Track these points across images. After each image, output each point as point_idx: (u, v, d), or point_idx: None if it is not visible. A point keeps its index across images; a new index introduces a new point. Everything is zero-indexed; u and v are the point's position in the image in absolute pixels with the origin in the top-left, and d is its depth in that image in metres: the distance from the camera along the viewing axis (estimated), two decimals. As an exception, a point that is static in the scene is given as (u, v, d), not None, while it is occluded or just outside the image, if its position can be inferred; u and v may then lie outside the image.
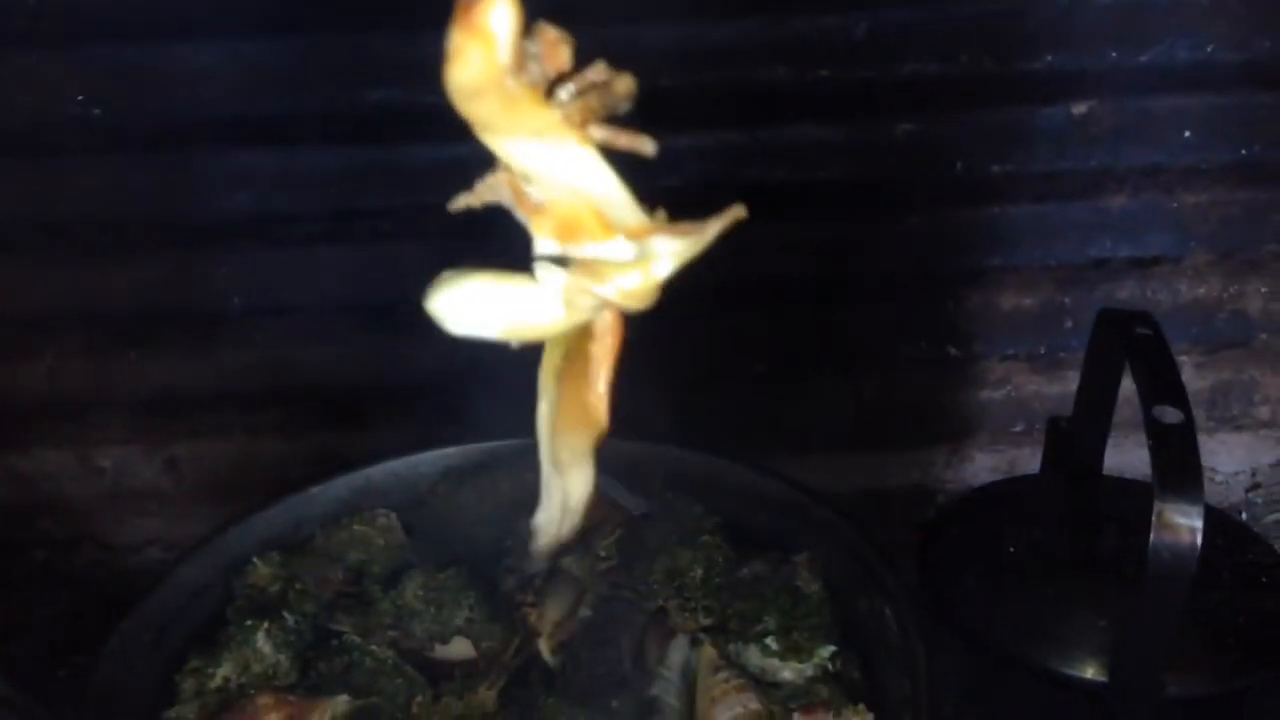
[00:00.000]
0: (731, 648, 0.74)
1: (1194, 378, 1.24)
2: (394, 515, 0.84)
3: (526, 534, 0.81)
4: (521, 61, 0.37)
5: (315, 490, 0.88)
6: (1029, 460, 1.21)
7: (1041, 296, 1.20)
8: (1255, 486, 1.29)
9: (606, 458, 0.88)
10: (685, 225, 0.42)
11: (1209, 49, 1.09)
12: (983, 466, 1.25)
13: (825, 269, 1.16)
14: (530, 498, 0.87)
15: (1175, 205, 1.17)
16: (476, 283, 0.45)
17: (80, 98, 1.04)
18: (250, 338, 1.16)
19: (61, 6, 0.99)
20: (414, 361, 1.15)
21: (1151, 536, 0.63)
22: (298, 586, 0.79)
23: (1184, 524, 0.63)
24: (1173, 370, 0.70)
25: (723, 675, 0.73)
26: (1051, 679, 0.73)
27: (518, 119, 0.38)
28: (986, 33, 1.07)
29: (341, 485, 0.88)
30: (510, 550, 0.81)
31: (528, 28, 0.37)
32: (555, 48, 0.39)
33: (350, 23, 1.03)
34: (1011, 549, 0.82)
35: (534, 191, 0.43)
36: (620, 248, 0.42)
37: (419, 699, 0.71)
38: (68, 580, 1.19)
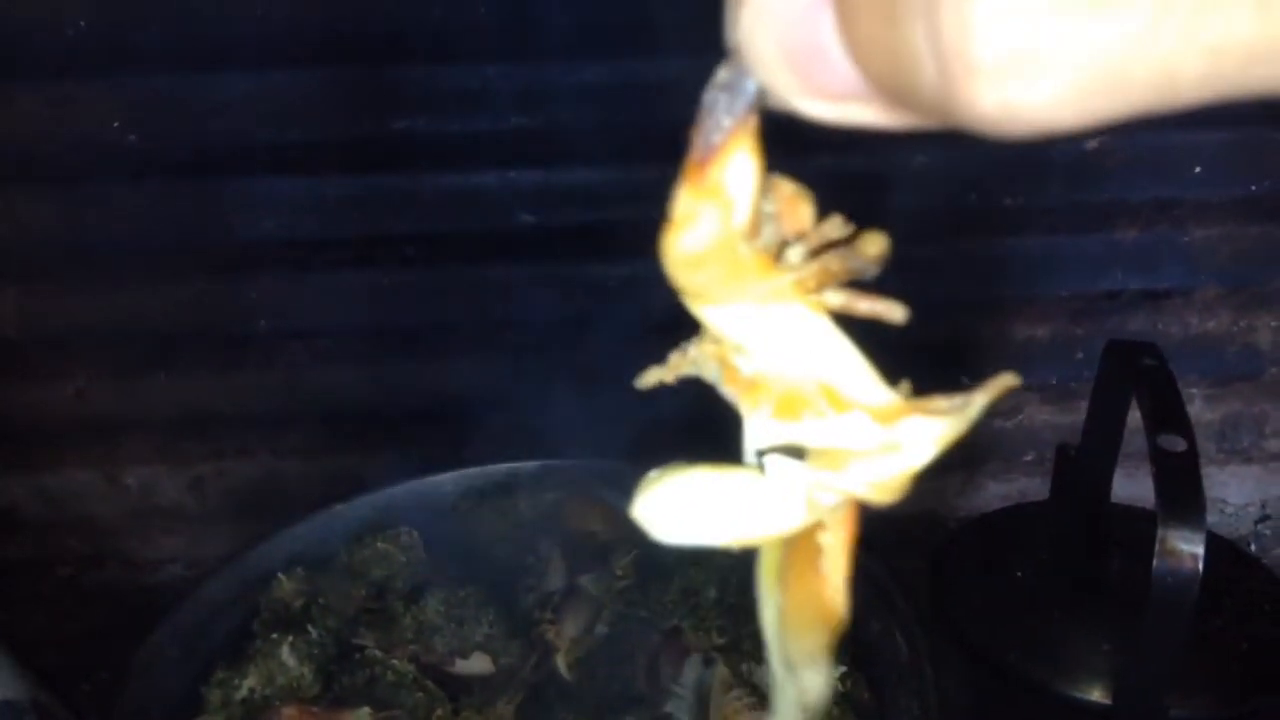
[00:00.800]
0: (745, 667, 0.76)
1: (1204, 410, 1.25)
2: (416, 533, 0.86)
3: (546, 553, 0.83)
4: (758, 224, 0.32)
5: (339, 508, 0.90)
6: (1040, 489, 1.22)
7: (1053, 327, 1.21)
8: (1265, 518, 1.29)
9: (619, 476, 0.91)
10: (941, 401, 0.36)
11: (1218, 86, 1.10)
12: (994, 495, 1.27)
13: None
14: (550, 520, 0.89)
15: (1186, 239, 1.18)
16: (690, 481, 0.38)
17: (116, 125, 1.07)
18: (275, 360, 1.18)
19: (99, 37, 1.02)
20: (436, 385, 1.18)
21: (1155, 562, 0.64)
22: (321, 601, 0.81)
23: (1186, 550, 0.64)
24: (1177, 400, 0.72)
25: (736, 694, 0.74)
26: (1057, 702, 0.74)
27: (741, 287, 0.33)
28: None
29: (365, 504, 0.90)
30: (530, 568, 0.83)
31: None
32: (795, 206, 0.33)
33: (377, 55, 1.06)
34: (1019, 574, 0.84)
35: (746, 364, 0.36)
36: (858, 427, 0.36)
37: (439, 712, 0.73)
38: (93, 597, 1.21)
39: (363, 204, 1.13)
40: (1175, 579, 0.64)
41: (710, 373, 0.37)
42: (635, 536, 0.88)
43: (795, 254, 0.34)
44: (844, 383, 0.35)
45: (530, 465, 0.92)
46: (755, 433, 0.36)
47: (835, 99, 0.23)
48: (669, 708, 0.75)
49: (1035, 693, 0.75)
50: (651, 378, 0.39)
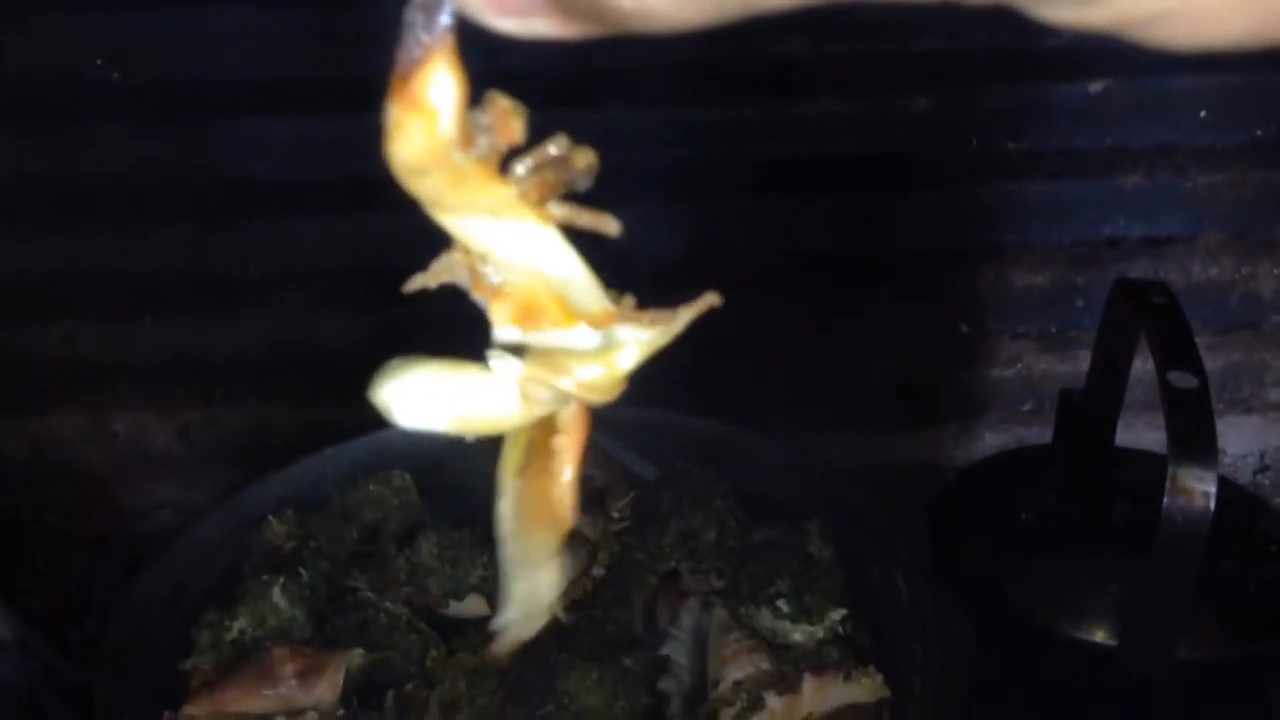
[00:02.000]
0: (743, 610, 0.75)
1: (1206, 358, 1.23)
2: (409, 476, 0.85)
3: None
4: (469, 135, 0.34)
5: (330, 451, 0.89)
6: (1038, 439, 1.21)
7: (1054, 275, 1.20)
8: (1264, 469, 1.29)
9: (617, 424, 0.89)
10: (653, 313, 0.39)
11: (1226, 27, 1.09)
12: (992, 445, 1.26)
13: (838, 244, 1.16)
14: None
15: (1189, 185, 1.17)
16: (426, 372, 0.41)
17: (100, 62, 1.05)
18: (265, 305, 1.16)
19: (82, -30, 1.00)
20: (428, 330, 1.16)
21: (1165, 500, 0.63)
22: (313, 544, 0.80)
23: (1198, 488, 0.63)
24: (1188, 337, 0.71)
25: (734, 636, 0.73)
26: (1062, 644, 0.74)
27: (469, 196, 0.36)
28: (1003, 9, 1.07)
29: (357, 447, 0.89)
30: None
31: (476, 97, 0.35)
32: (507, 119, 0.36)
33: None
34: (1023, 516, 0.83)
35: (491, 273, 0.39)
36: (583, 335, 0.39)
37: (432, 654, 0.72)
38: (81, 544, 1.19)
39: (355, 146, 1.10)
40: (1186, 517, 0.63)
41: (462, 279, 0.41)
42: (632, 480, 0.87)
43: (520, 166, 0.36)
44: (569, 289, 0.39)
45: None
46: (499, 335, 0.40)
47: (518, 14, 0.27)
48: (666, 649, 0.74)
49: (1039, 635, 0.74)
50: (415, 283, 0.43)
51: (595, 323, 0.39)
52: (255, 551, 0.81)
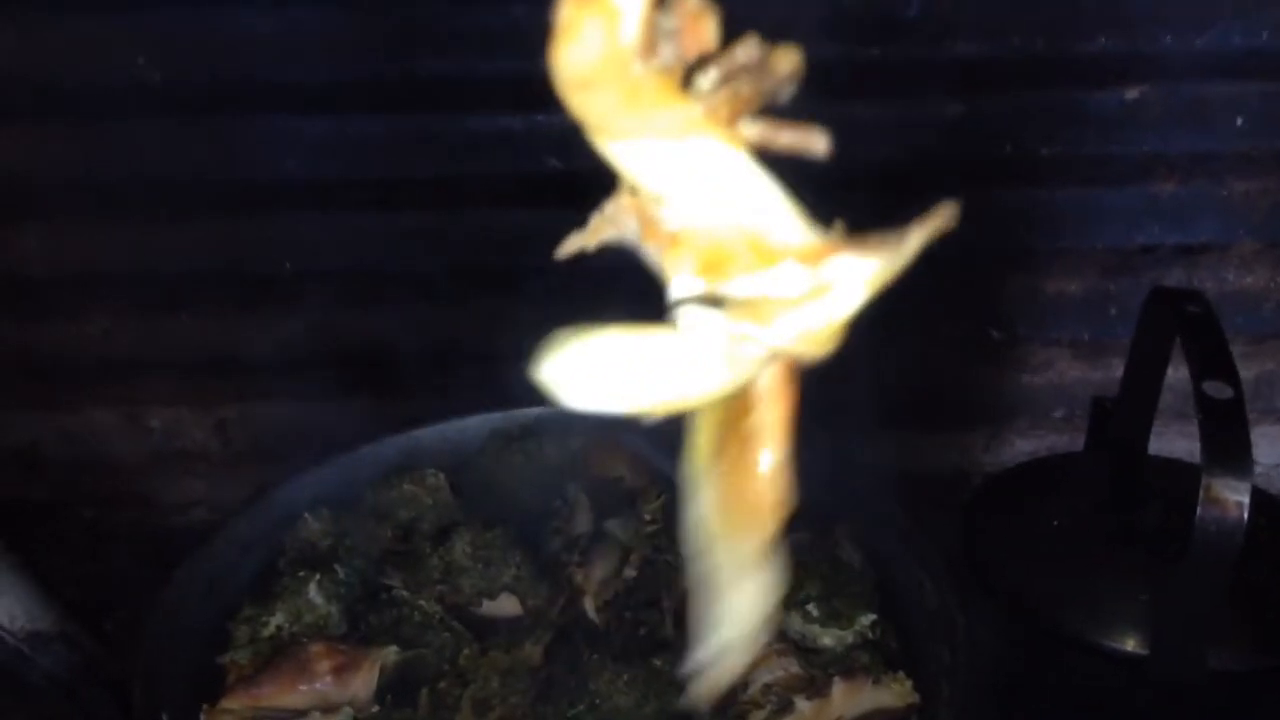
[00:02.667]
0: (774, 613, 0.75)
1: (1239, 367, 1.23)
2: (442, 475, 0.86)
3: (572, 497, 0.83)
4: (652, 41, 0.28)
5: (365, 450, 0.90)
6: (1069, 446, 1.21)
7: (1087, 282, 1.19)
8: (1297, 479, 1.28)
9: (644, 429, 0.89)
10: (875, 237, 0.32)
11: (1264, 35, 1.08)
12: (1022, 451, 1.25)
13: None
14: (575, 463, 0.88)
15: (1225, 193, 1.16)
16: (602, 342, 0.33)
17: (141, 61, 1.06)
18: (298, 302, 1.17)
19: (124, -30, 1.01)
20: (459, 329, 1.17)
21: (1199, 510, 0.63)
22: (348, 542, 0.81)
23: (1232, 499, 0.63)
24: (1224, 347, 0.71)
25: (764, 640, 0.73)
26: (1092, 651, 0.73)
27: (645, 115, 0.29)
28: (1039, 14, 1.07)
29: (391, 446, 0.90)
30: (557, 512, 0.83)
31: None
32: (697, 22, 0.29)
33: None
34: (1054, 523, 0.83)
35: (668, 216, 0.32)
36: (789, 276, 0.32)
37: (466, 652, 0.73)
38: (114, 538, 1.21)
39: (386, 145, 1.12)
40: (1219, 527, 0.63)
41: (630, 231, 0.34)
42: (662, 482, 0.87)
43: (706, 81, 0.30)
44: (768, 226, 0.32)
45: (556, 410, 0.91)
46: (679, 291, 0.33)
47: None
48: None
49: (1069, 642, 0.74)
50: (573, 244, 0.36)
51: (806, 258, 0.32)
52: (291, 548, 0.81)
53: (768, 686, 0.70)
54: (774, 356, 0.33)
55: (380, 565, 0.79)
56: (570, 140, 1.18)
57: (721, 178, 0.31)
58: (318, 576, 0.76)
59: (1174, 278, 1.18)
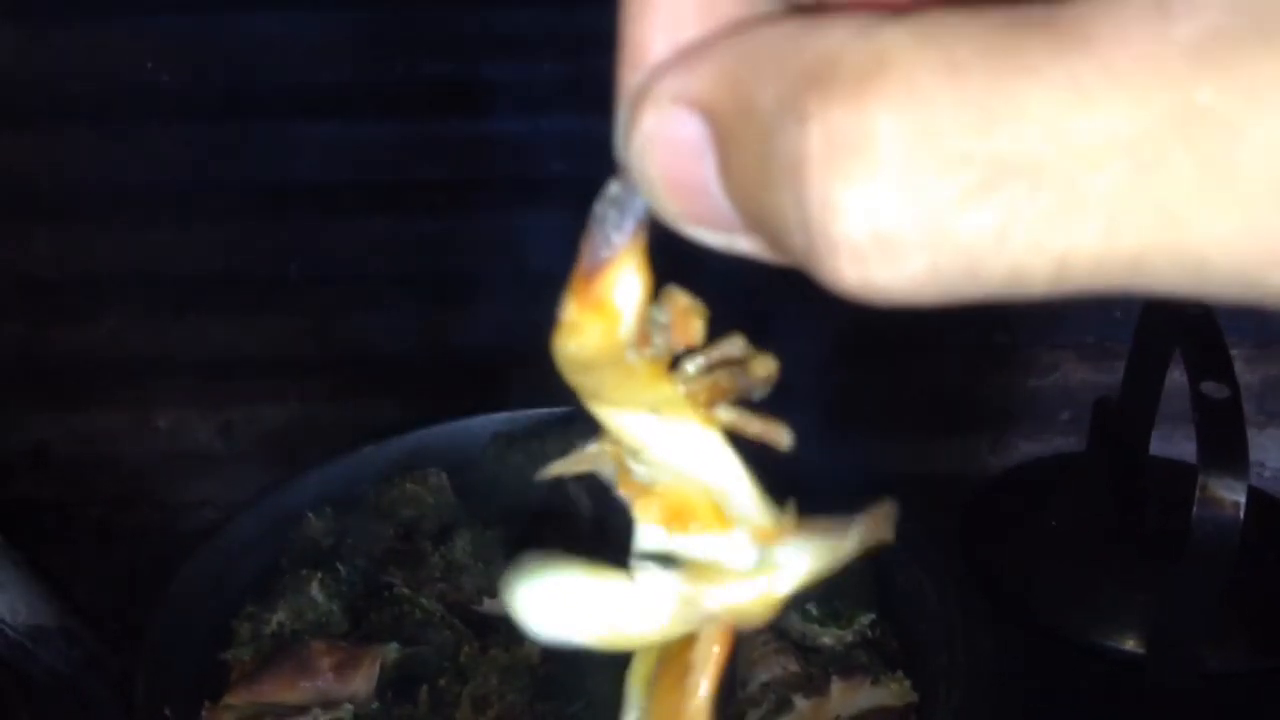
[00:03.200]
0: (773, 612, 0.76)
1: (1244, 371, 1.23)
2: (444, 475, 0.86)
3: (574, 496, 0.83)
4: (646, 334, 0.31)
5: (368, 450, 0.90)
6: (1074, 449, 1.21)
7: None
8: (1303, 482, 1.28)
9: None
10: (823, 525, 0.35)
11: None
12: (1028, 454, 1.25)
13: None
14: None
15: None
16: (564, 578, 0.37)
17: (150, 66, 1.07)
18: (305, 305, 1.18)
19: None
20: (464, 332, 1.17)
21: (1195, 509, 0.64)
22: (350, 540, 0.81)
23: (1228, 498, 0.63)
24: (1222, 348, 0.71)
25: (763, 638, 0.74)
26: (1090, 651, 0.74)
27: (633, 394, 0.33)
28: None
29: (394, 447, 0.90)
30: (557, 512, 0.83)
31: (656, 293, 0.31)
32: (687, 318, 0.33)
33: (411, -2, 1.05)
34: (1053, 523, 0.83)
35: (640, 470, 0.36)
36: (740, 547, 0.35)
37: (466, 650, 0.73)
38: (122, 538, 1.21)
39: (393, 149, 1.13)
40: (1215, 527, 0.63)
41: (607, 472, 0.37)
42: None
43: (691, 366, 0.33)
44: (730, 499, 0.34)
45: (558, 411, 0.92)
46: (644, 538, 0.36)
47: (722, 230, 0.24)
48: (696, 651, 0.75)
49: (1067, 642, 0.75)
50: (554, 470, 0.39)
51: (757, 536, 0.35)
52: (294, 547, 0.82)
53: (766, 685, 0.71)
54: (714, 617, 0.36)
55: (382, 564, 0.79)
56: (574, 145, 1.19)
57: (693, 450, 0.34)
58: (320, 575, 0.77)
59: (1179, 281, 1.18)
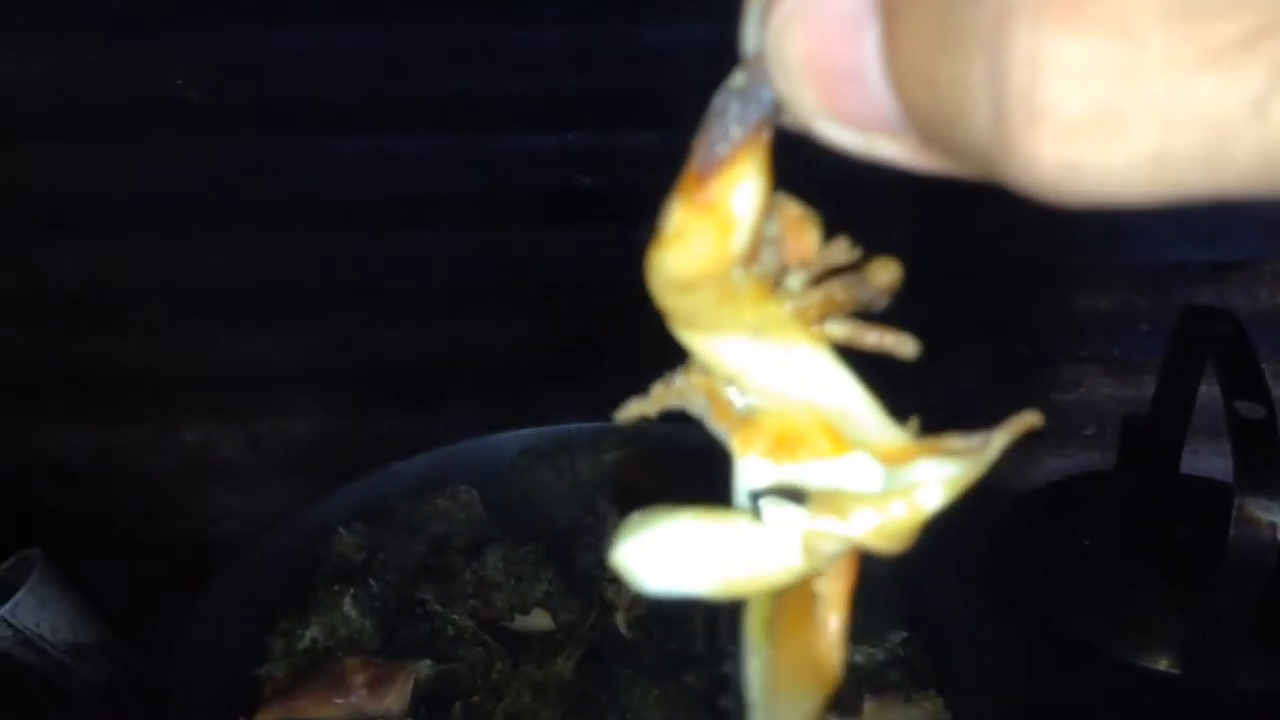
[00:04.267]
0: (804, 629, 0.76)
1: (1272, 387, 1.23)
2: (474, 491, 0.87)
3: (604, 512, 0.83)
4: (757, 248, 0.29)
5: (398, 465, 0.91)
6: (1099, 465, 1.20)
7: (1117, 298, 1.19)
8: (1330, 497, 1.27)
9: (675, 440, 0.90)
10: (955, 441, 0.32)
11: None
12: (1053, 469, 1.25)
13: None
14: (606, 479, 0.89)
15: (1256, 210, 1.16)
16: (680, 527, 0.34)
17: (178, 81, 1.07)
18: (332, 318, 1.18)
19: (166, -8, 1.03)
20: (492, 346, 1.18)
21: (1231, 530, 0.63)
22: (381, 556, 0.82)
23: (1264, 519, 0.63)
24: (1256, 367, 0.71)
25: (794, 657, 0.74)
26: (1122, 670, 0.73)
27: (733, 315, 0.30)
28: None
29: (424, 462, 0.91)
30: (589, 527, 0.83)
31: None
32: (800, 231, 0.30)
33: (437, 13, 1.06)
34: (1085, 541, 0.83)
35: (739, 399, 0.33)
36: (862, 469, 0.33)
37: (498, 667, 0.74)
38: (150, 551, 1.22)
39: (420, 164, 1.13)
40: (1251, 547, 0.63)
41: (698, 407, 0.34)
42: (694, 498, 0.88)
43: (796, 280, 0.31)
44: (846, 421, 0.32)
45: (587, 426, 0.92)
46: (748, 474, 0.33)
47: (863, 127, 0.20)
48: (727, 668, 0.75)
49: (1099, 661, 0.74)
50: (632, 411, 0.36)
51: (885, 457, 0.32)
52: (326, 562, 0.82)
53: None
54: (847, 548, 0.33)
55: (413, 579, 0.80)
56: (601, 158, 1.19)
57: (802, 371, 0.32)
58: (352, 590, 0.77)
59: (1205, 295, 1.18)
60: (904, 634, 0.75)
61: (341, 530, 0.83)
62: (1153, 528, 0.82)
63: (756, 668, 0.39)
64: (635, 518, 0.34)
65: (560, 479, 0.88)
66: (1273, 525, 0.63)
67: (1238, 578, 0.64)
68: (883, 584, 0.79)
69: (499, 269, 1.16)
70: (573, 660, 0.74)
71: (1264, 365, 1.20)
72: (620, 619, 0.76)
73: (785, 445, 0.33)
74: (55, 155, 1.11)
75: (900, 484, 0.32)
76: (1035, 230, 1.16)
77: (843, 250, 0.31)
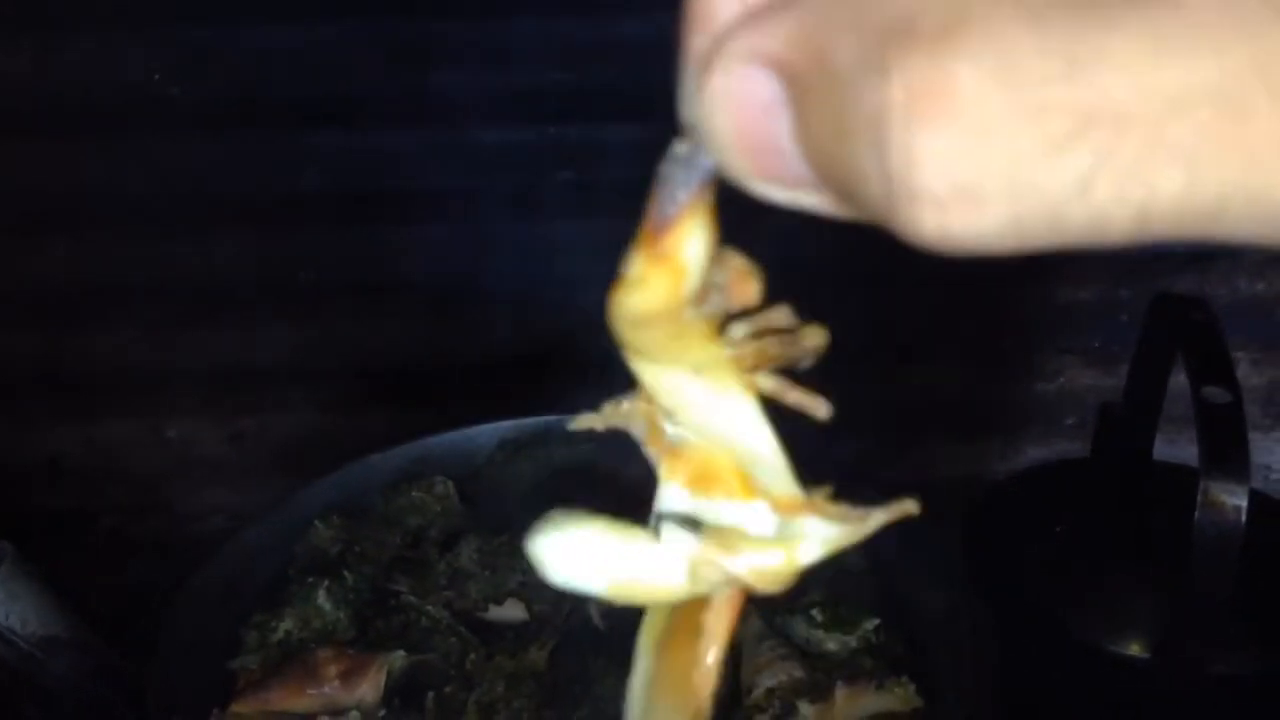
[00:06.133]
0: (778, 619, 0.76)
1: (1250, 374, 1.23)
2: (450, 483, 0.87)
3: (580, 504, 0.83)
4: (706, 291, 0.32)
5: (375, 458, 0.91)
6: (1080, 454, 1.21)
7: (1097, 289, 1.19)
8: (1312, 485, 1.27)
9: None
10: (844, 509, 0.36)
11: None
12: (1034, 459, 1.25)
13: (877, 255, 1.17)
14: (584, 471, 0.89)
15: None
16: (589, 531, 0.38)
17: (158, 77, 1.07)
18: (316, 314, 1.19)
19: (144, -11, 1.03)
20: (475, 341, 1.18)
21: (1197, 514, 0.64)
22: (357, 549, 0.82)
23: (1229, 502, 0.63)
24: (1224, 353, 0.71)
25: (768, 644, 0.74)
26: (1095, 655, 0.74)
27: (680, 351, 0.33)
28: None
29: (400, 455, 0.91)
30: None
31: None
32: (743, 280, 0.33)
33: (418, 8, 1.06)
34: (1059, 528, 0.83)
35: (672, 430, 0.37)
36: (760, 516, 0.36)
37: (472, 657, 0.74)
38: (136, 547, 1.22)
39: (402, 159, 1.13)
40: (1218, 531, 0.63)
41: (638, 430, 0.38)
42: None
43: (739, 331, 0.34)
44: (757, 467, 0.35)
45: (565, 418, 0.92)
46: (665, 498, 0.37)
47: (789, 186, 0.24)
48: (701, 658, 0.75)
49: (1073, 647, 0.75)
50: (583, 422, 0.40)
51: (780, 508, 0.36)
52: (302, 555, 0.83)
53: (771, 690, 0.71)
54: (731, 582, 0.37)
55: (388, 571, 0.80)
56: (581, 153, 1.19)
57: (729, 414, 0.35)
58: (326, 582, 0.77)
59: (1185, 284, 1.18)
60: (877, 621, 0.76)
61: (317, 523, 0.83)
62: (1125, 514, 0.82)
63: (638, 680, 0.43)
64: (555, 515, 0.39)
65: (537, 471, 0.88)
66: (1238, 508, 0.63)
67: (1205, 561, 0.65)
68: (856, 572, 0.79)
69: (482, 263, 1.17)
70: (546, 650, 0.74)
71: (1243, 353, 1.21)
72: (594, 609, 0.76)
73: (702, 480, 0.36)
74: (37, 153, 1.11)
75: (787, 535, 0.36)
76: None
77: (783, 314, 0.35)
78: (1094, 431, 0.89)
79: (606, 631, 0.76)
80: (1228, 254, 1.18)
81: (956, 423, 1.24)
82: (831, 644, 0.75)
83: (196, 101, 1.08)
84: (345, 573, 0.79)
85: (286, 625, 0.76)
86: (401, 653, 0.73)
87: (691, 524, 0.36)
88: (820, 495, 0.36)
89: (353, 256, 1.17)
